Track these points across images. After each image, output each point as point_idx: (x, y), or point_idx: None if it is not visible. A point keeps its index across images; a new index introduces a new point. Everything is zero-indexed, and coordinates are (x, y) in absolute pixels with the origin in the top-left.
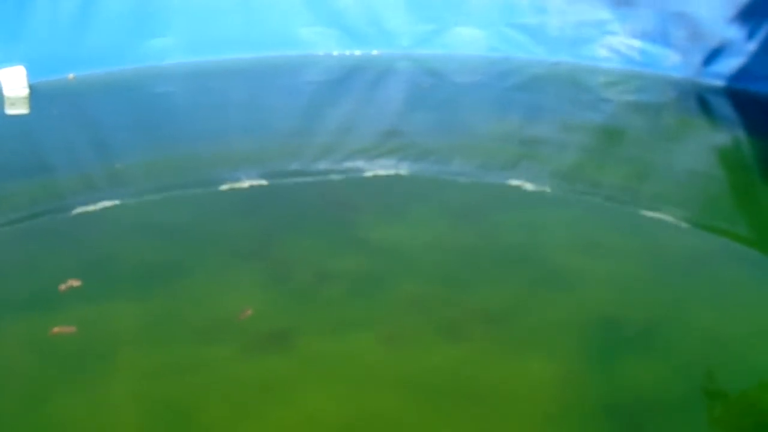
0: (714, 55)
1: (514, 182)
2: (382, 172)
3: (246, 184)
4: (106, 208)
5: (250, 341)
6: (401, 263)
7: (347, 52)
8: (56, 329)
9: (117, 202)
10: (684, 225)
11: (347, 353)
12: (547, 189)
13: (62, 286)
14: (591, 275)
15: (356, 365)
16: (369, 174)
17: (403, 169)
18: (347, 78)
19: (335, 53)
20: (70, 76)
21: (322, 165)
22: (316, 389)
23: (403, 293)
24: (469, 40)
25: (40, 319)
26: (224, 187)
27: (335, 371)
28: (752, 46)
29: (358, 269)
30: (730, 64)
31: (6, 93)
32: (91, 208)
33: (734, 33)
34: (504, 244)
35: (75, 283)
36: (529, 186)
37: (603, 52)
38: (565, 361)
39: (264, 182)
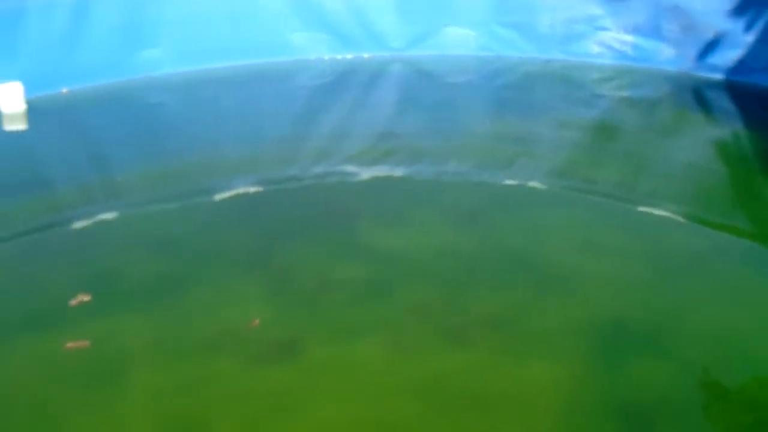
0: (708, 47)
1: (511, 182)
2: (378, 175)
3: (244, 191)
4: (106, 221)
5: (258, 352)
6: (403, 269)
7: (338, 56)
8: (70, 344)
9: (116, 214)
10: (683, 221)
11: (354, 361)
12: (544, 187)
13: (73, 301)
14: (593, 276)
15: (363, 373)
16: (366, 178)
17: (400, 172)
18: (340, 82)
19: (326, 58)
20: (64, 90)
21: (319, 170)
22: (324, 398)
23: (407, 299)
24: (459, 41)
25: (52, 335)
26: (222, 195)
27: (343, 379)
28: (747, 38)
29: (360, 276)
30: (725, 57)
31: (4, 109)
32: (91, 221)
33: (729, 25)
34: (505, 247)
35: (85, 297)
36: (525, 185)
37: (595, 48)
38: (572, 364)
39: (261, 189)
